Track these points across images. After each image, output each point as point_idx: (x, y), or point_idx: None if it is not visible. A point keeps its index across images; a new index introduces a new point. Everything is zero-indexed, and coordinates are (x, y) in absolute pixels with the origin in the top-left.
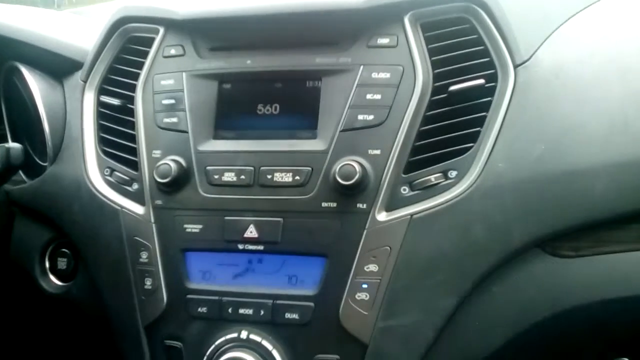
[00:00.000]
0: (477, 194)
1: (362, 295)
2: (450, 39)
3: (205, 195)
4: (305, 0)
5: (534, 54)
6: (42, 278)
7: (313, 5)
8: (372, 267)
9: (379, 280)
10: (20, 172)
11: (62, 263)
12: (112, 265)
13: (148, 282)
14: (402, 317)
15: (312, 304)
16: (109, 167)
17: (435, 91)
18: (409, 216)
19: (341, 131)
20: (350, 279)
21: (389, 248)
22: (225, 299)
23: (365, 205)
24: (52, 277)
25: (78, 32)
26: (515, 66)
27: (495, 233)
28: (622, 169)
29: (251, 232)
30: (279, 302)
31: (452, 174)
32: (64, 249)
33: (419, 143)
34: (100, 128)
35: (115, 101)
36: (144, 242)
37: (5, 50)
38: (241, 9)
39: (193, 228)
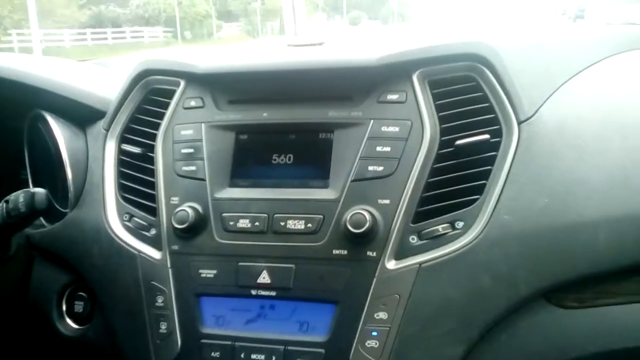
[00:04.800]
0: (483, 244)
1: (372, 343)
2: (456, 96)
3: (221, 241)
4: (319, 57)
5: (537, 110)
6: (59, 321)
7: (327, 63)
8: (382, 315)
9: (388, 328)
10: (41, 217)
11: (78, 306)
12: (128, 309)
13: (163, 326)
14: None
15: (322, 350)
16: (128, 213)
17: (442, 145)
18: (418, 265)
19: (352, 181)
20: (360, 326)
21: (398, 296)
22: (238, 344)
23: (375, 254)
24: (68, 320)
25: (100, 82)
26: (519, 122)
27: (501, 283)
28: (623, 222)
29: (264, 277)
30: (290, 348)
31: (459, 224)
32: (81, 293)
33: (427, 194)
34: (121, 175)
35: (136, 149)
36: (160, 286)
37: (31, 98)
38: (258, 64)
39: (208, 273)
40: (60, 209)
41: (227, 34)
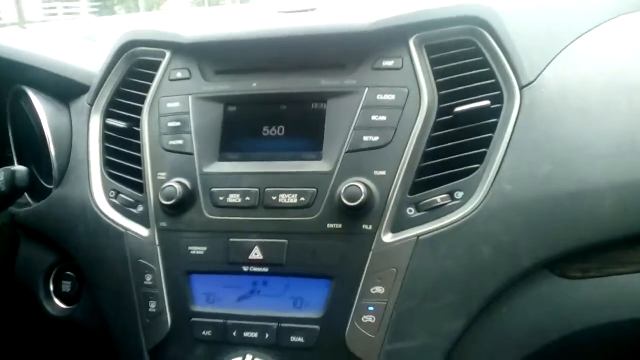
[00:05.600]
0: (483, 215)
1: (369, 318)
2: (455, 61)
3: (210, 217)
4: (310, 23)
5: (539, 75)
6: (46, 301)
7: (318, 29)
8: (379, 290)
9: (385, 303)
10: (26, 194)
11: (66, 286)
12: (117, 288)
13: (152, 305)
14: (410, 341)
15: (317, 327)
16: (114, 190)
17: (441, 113)
18: (416, 237)
19: (346, 152)
20: (356, 301)
21: (395, 270)
22: (230, 322)
23: (371, 227)
24: (56, 300)
25: (85, 55)
26: (521, 87)
27: (503, 254)
28: (629, 189)
29: (256, 254)
30: (284, 325)
31: (459, 195)
32: (68, 272)
33: (425, 164)
34: (106, 151)
35: (121, 124)
36: (149, 264)
37: (13, 73)
38: (247, 32)
39: (198, 250)
40: (46, 185)
41: (175, 6)
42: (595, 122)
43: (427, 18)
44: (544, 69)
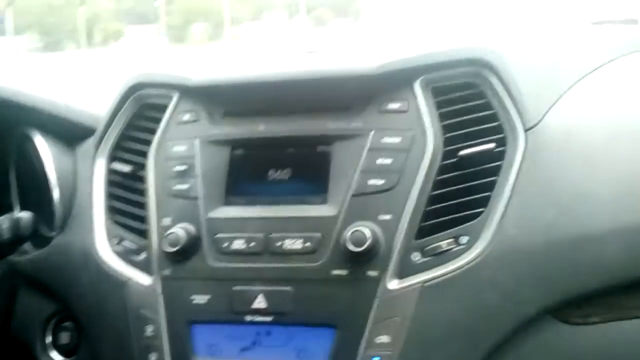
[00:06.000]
0: (489, 260)
1: None
2: (460, 104)
3: (215, 264)
4: (317, 67)
5: (543, 117)
6: (42, 353)
7: (325, 72)
8: (384, 339)
9: (390, 353)
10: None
11: (64, 337)
12: (116, 339)
13: (153, 358)
14: None
15: None
16: (117, 236)
17: (446, 155)
18: (421, 284)
19: (352, 196)
20: (361, 351)
21: (400, 318)
22: None
23: (376, 273)
24: (53, 354)
25: (92, 97)
26: (525, 130)
27: (508, 301)
28: (633, 233)
29: (260, 302)
30: None
31: (464, 239)
32: (66, 323)
33: (430, 208)
34: (110, 196)
35: (126, 168)
36: (150, 315)
37: (17, 115)
38: (254, 75)
39: (200, 299)
40: (47, 233)
41: (134, 40)
42: (598, 167)
43: (433, 60)
44: (547, 111)
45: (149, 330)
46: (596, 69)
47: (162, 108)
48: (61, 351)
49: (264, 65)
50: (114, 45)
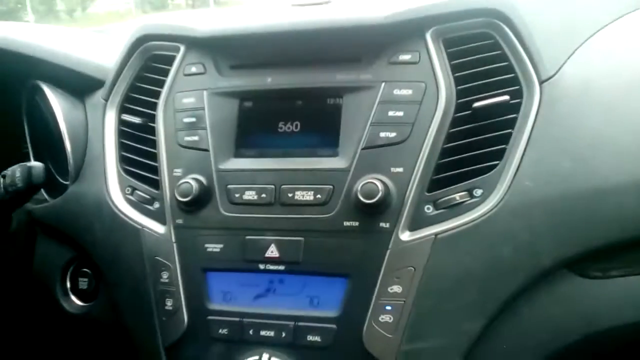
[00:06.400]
0: (503, 213)
1: (386, 318)
2: (473, 55)
3: (226, 214)
4: (325, 17)
5: (560, 69)
6: (63, 298)
7: (334, 22)
8: (396, 289)
9: (403, 302)
10: (43, 191)
11: (83, 283)
12: (133, 285)
13: (169, 303)
14: (427, 341)
15: (334, 326)
16: (130, 186)
17: (459, 108)
18: (434, 236)
19: (363, 149)
20: (373, 300)
21: (412, 268)
22: (246, 320)
23: (388, 225)
24: (73, 298)
25: (100, 50)
26: (541, 82)
27: (523, 253)
28: None
29: (272, 251)
30: (300, 324)
31: (478, 192)
32: (85, 269)
33: (443, 161)
34: (122, 146)
35: (136, 119)
36: (165, 261)
37: (27, 68)
38: (262, 26)
39: (214, 247)
40: (63, 182)
41: (101, 9)
42: (617, 118)
43: (444, 10)
44: (564, 63)
45: (165, 276)
46: (615, 20)
47: (170, 60)
48: (80, 296)
49: (271, 17)
50: (80, 15)
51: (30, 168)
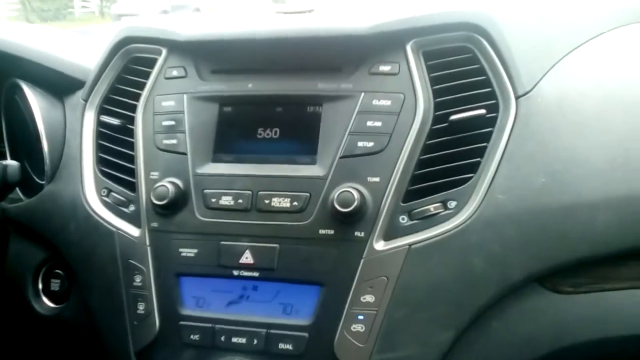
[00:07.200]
0: (476, 225)
1: (358, 327)
2: (452, 68)
3: (202, 219)
4: (308, 25)
5: (536, 84)
6: (34, 299)
7: (316, 31)
8: (369, 298)
9: (375, 312)
10: (18, 190)
11: (55, 284)
12: (106, 287)
13: (141, 307)
14: (399, 351)
15: (306, 334)
16: (106, 188)
17: (436, 120)
18: (407, 246)
19: (340, 157)
20: (346, 309)
21: (386, 278)
22: (218, 326)
23: (363, 234)
24: (44, 299)
25: (81, 50)
26: (517, 97)
27: (494, 266)
28: (623, 204)
29: (247, 257)
30: (272, 331)
31: (452, 204)
32: (57, 270)
33: (419, 172)
34: (99, 148)
35: (115, 121)
36: (139, 265)
37: (7, 67)
38: (244, 32)
39: (188, 252)
40: (39, 181)
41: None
42: (591, 135)
43: (425, 23)
44: (540, 79)
45: (138, 280)
46: (593, 38)
47: (151, 63)
48: (52, 297)
49: (255, 23)
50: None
51: (5, 167)
